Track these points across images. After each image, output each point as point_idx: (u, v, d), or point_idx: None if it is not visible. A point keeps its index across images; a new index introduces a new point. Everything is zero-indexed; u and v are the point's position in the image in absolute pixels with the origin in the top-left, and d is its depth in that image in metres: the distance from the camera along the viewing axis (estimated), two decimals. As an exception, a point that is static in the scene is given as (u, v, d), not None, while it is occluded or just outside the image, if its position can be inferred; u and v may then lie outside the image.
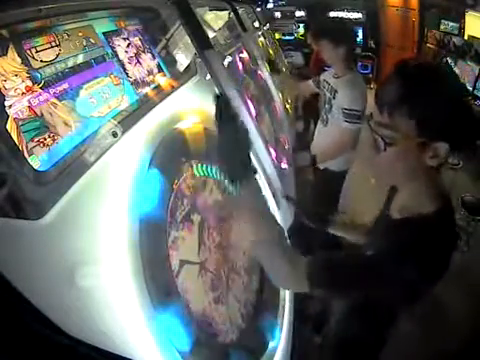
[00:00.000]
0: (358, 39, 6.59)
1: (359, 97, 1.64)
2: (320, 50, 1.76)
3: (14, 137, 0.50)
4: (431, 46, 5.31)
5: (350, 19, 6.52)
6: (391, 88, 0.67)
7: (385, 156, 0.69)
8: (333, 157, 1.83)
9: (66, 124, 0.60)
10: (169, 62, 0.99)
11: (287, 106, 2.78)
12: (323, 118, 1.88)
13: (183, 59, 1.04)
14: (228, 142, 0.71)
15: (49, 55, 0.61)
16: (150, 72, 0.90)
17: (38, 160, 0.53)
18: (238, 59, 1.81)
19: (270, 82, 2.39)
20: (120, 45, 0.82)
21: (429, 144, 0.65)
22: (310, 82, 2.06)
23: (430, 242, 0.67)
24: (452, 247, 0.71)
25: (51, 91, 0.59)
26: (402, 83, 0.66)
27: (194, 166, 0.87)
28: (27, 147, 0.52)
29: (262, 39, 2.96)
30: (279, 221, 1.25)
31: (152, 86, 0.88)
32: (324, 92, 1.86)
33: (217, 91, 0.81)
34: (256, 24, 3.02)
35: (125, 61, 0.82)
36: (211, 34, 1.49)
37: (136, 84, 0.83)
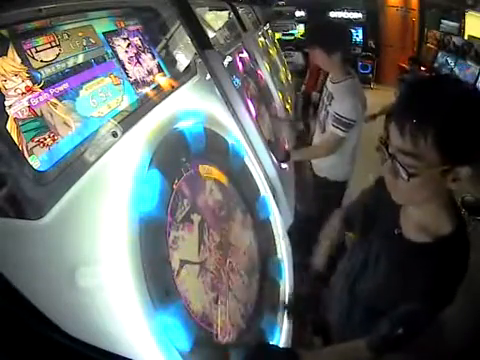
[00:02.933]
0: (358, 39, 6.61)
1: (354, 106, 1.59)
2: (314, 58, 1.70)
3: (14, 137, 0.50)
4: (431, 46, 5.32)
5: (350, 19, 6.53)
6: (415, 113, 0.61)
7: (406, 185, 0.64)
8: (311, 158, 1.92)
9: (66, 124, 0.60)
10: (169, 62, 0.99)
11: (287, 106, 2.78)
12: (321, 124, 1.83)
13: (183, 59, 1.04)
14: None
15: (49, 55, 0.61)
16: (150, 72, 0.90)
17: (38, 160, 0.53)
18: (238, 59, 1.81)
19: (270, 82, 2.39)
20: (120, 45, 0.82)
21: (452, 169, 0.62)
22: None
23: (454, 266, 0.67)
24: (467, 261, 0.69)
25: (51, 91, 0.59)
26: (427, 109, 0.60)
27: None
28: (27, 147, 0.52)
29: (262, 39, 2.96)
30: (279, 221, 1.26)
31: (152, 86, 0.88)
32: (323, 98, 1.82)
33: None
34: (256, 24, 3.02)
35: (125, 61, 0.82)
36: (211, 34, 1.49)
37: (136, 84, 0.83)
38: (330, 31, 1.68)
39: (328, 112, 1.73)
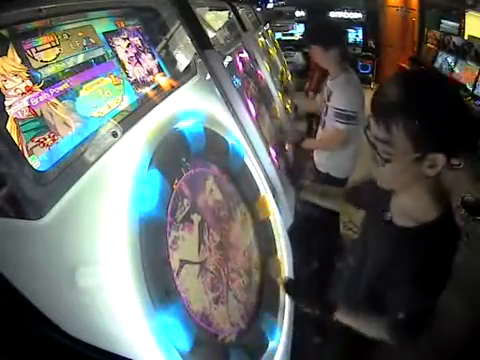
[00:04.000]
0: (358, 39, 6.60)
1: (352, 98, 1.63)
2: (312, 55, 1.76)
3: (14, 137, 0.50)
4: (431, 46, 5.31)
5: (350, 19, 6.52)
6: (388, 102, 0.65)
7: (383, 170, 0.70)
8: (319, 148, 1.96)
9: (66, 124, 0.60)
10: (169, 62, 0.99)
11: (287, 106, 2.78)
12: (322, 122, 1.89)
13: (183, 59, 1.04)
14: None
15: (49, 55, 0.61)
16: (150, 72, 0.90)
17: (38, 160, 0.53)
18: (238, 59, 1.81)
19: (270, 82, 2.39)
20: (120, 45, 0.82)
21: (426, 156, 0.64)
22: (317, 99, 2.08)
23: (438, 252, 0.69)
24: (455, 249, 0.72)
25: (51, 91, 0.59)
26: (399, 98, 0.64)
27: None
28: (27, 147, 0.52)
29: (262, 39, 2.96)
30: (279, 221, 1.26)
31: (152, 86, 0.88)
32: (323, 97, 1.87)
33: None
34: (256, 24, 3.02)
35: (125, 61, 0.82)
36: (211, 34, 1.49)
37: (136, 84, 0.83)
38: (326, 29, 1.78)
39: (327, 108, 1.77)
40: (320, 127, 1.93)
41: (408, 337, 0.78)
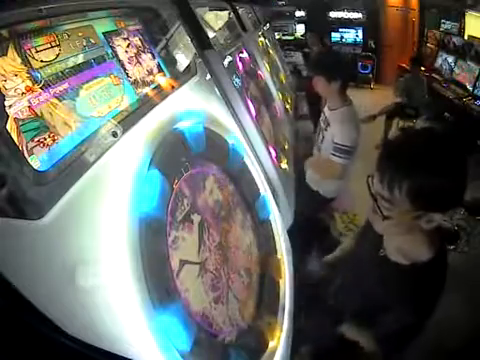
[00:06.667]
0: (358, 39, 6.62)
1: (350, 132, 1.62)
2: (315, 83, 1.75)
3: (14, 137, 0.50)
4: (431, 46, 5.32)
5: (350, 19, 6.53)
6: (393, 163, 0.67)
7: (383, 225, 0.74)
8: (317, 173, 1.91)
9: (66, 124, 0.60)
10: (169, 62, 0.99)
11: (287, 106, 2.78)
12: (317, 146, 1.89)
13: (183, 59, 1.04)
14: None
15: (49, 55, 0.61)
16: (150, 72, 0.90)
17: (38, 160, 0.52)
18: (238, 59, 1.81)
19: (270, 82, 2.39)
20: (120, 45, 0.82)
21: (425, 214, 0.68)
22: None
23: (430, 288, 0.73)
24: (444, 284, 0.75)
25: (51, 91, 0.59)
26: (404, 161, 0.65)
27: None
28: (27, 147, 0.52)
29: (262, 39, 2.96)
30: (279, 221, 1.26)
31: (152, 86, 0.88)
32: (320, 122, 1.88)
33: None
34: (256, 24, 3.02)
35: (125, 61, 0.82)
36: (211, 34, 1.49)
37: (136, 84, 0.83)
38: (333, 60, 1.78)
39: (324, 137, 1.78)
40: (315, 149, 1.93)
41: (392, 349, 0.81)
